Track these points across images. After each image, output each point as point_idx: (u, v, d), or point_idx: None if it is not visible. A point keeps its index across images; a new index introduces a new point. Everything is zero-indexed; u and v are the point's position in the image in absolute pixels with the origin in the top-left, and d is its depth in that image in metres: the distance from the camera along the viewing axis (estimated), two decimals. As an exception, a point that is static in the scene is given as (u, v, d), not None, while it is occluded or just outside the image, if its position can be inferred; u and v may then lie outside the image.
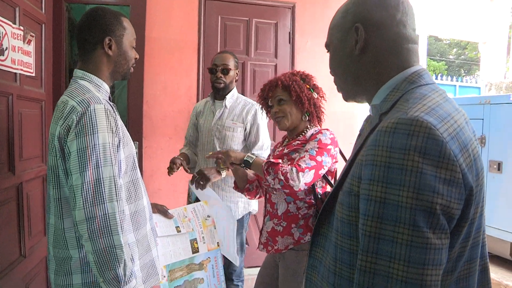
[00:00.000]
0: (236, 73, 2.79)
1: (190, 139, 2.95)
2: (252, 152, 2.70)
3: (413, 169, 0.79)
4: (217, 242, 2.27)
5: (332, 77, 1.16)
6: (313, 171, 1.87)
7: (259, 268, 2.29)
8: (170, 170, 2.59)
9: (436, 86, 0.97)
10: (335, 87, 1.16)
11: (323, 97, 2.15)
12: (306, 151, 1.94)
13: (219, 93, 2.76)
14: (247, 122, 2.71)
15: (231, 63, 2.71)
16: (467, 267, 0.94)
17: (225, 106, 2.74)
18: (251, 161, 2.00)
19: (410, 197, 0.79)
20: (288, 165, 1.90)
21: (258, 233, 3.99)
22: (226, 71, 2.69)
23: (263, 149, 2.74)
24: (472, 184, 0.84)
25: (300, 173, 1.84)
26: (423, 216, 0.78)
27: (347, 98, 1.15)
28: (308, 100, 2.06)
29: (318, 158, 1.90)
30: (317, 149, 1.93)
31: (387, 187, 0.81)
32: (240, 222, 2.73)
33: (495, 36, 8.43)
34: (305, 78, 2.12)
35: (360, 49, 1.03)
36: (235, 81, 2.82)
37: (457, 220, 0.83)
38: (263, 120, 2.75)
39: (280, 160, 1.94)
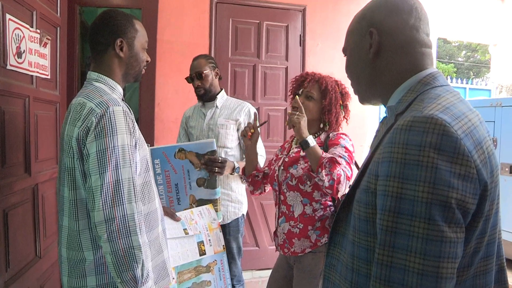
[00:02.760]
0: (216, 72, 2.77)
1: None
2: None
3: (428, 164, 0.81)
4: (223, 245, 2.28)
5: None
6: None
7: (269, 271, 2.30)
8: None
9: (450, 88, 1.00)
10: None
11: (346, 119, 2.17)
12: (340, 157, 1.91)
13: (204, 98, 2.77)
14: (240, 121, 2.72)
15: (205, 67, 2.70)
16: (484, 264, 0.95)
17: (216, 106, 2.75)
18: (311, 145, 1.86)
19: (426, 191, 0.81)
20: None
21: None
22: (200, 76, 2.68)
23: (258, 148, 2.73)
24: (487, 180, 0.85)
25: (347, 182, 1.83)
26: (438, 210, 0.80)
27: (362, 100, 1.18)
28: (336, 114, 2.09)
29: (352, 166, 1.93)
30: (347, 157, 1.94)
31: (404, 183, 0.83)
32: (235, 226, 2.72)
33: (506, 38, 8.36)
34: (343, 94, 2.14)
35: (374, 53, 1.06)
36: (218, 79, 2.80)
37: (472, 216, 0.85)
38: None
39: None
